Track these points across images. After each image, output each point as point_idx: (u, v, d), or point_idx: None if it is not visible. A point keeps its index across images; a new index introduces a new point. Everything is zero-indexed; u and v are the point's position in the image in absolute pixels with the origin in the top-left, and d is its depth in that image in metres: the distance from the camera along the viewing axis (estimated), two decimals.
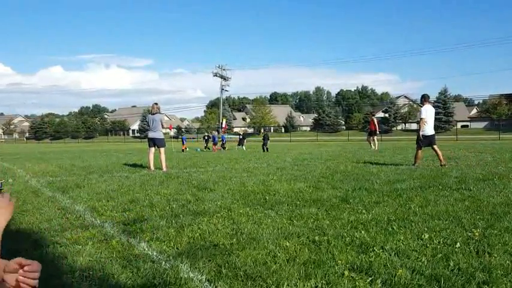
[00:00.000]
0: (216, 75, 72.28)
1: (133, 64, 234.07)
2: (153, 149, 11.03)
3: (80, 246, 3.63)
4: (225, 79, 72.97)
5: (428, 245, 3.54)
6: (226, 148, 25.00)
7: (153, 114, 11.13)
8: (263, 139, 23.35)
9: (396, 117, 79.33)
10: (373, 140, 20.02)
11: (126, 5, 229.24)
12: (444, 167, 9.78)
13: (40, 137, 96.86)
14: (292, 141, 48.04)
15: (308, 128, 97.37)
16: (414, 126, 77.91)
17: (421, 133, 10.47)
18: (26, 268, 1.28)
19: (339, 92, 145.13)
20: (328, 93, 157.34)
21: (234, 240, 3.77)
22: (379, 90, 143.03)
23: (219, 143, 25.57)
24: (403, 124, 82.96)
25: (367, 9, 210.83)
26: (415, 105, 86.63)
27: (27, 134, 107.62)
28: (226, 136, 29.89)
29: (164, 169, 10.64)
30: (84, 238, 3.92)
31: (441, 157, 10.19)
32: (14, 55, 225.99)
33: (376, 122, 20.41)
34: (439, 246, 3.50)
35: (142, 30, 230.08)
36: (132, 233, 4.12)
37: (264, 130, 29.49)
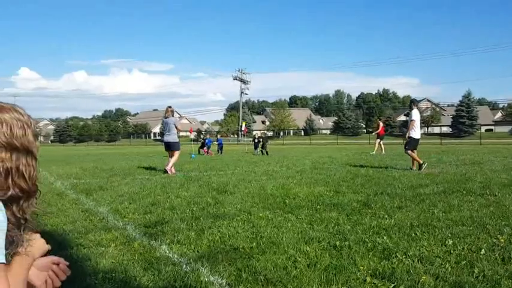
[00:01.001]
0: (236, 79, 72.70)
1: (155, 68, 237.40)
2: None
3: (103, 248, 3.70)
4: (244, 82, 73.31)
5: (452, 252, 3.47)
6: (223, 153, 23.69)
7: (166, 117, 11.09)
8: (262, 143, 23.24)
9: None
10: (376, 144, 20.16)
11: (149, 10, 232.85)
12: (411, 171, 10.19)
13: (64, 140, 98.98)
14: (311, 144, 47.79)
15: (328, 131, 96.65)
16: (437, 130, 76.55)
17: (411, 135, 10.71)
18: (61, 265, 1.34)
19: (359, 95, 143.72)
20: (349, 96, 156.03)
21: (254, 244, 3.77)
22: (401, 94, 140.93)
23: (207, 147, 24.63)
24: (426, 128, 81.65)
25: (388, 12, 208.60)
26: (437, 109, 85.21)
27: (52, 137, 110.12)
28: (223, 140, 27.94)
29: (167, 168, 10.54)
30: (107, 240, 3.98)
31: (415, 162, 10.63)
32: (40, 60, 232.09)
33: (382, 126, 20.70)
34: (463, 253, 3.43)
35: (164, 35, 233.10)
36: (154, 235, 4.17)
37: (262, 134, 29.00)
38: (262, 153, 21.25)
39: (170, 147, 11.03)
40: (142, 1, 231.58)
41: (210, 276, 2.97)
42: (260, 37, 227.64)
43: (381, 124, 20.85)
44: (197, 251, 3.64)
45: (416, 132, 10.78)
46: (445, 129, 75.84)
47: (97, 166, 13.76)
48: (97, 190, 7.55)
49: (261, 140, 23.59)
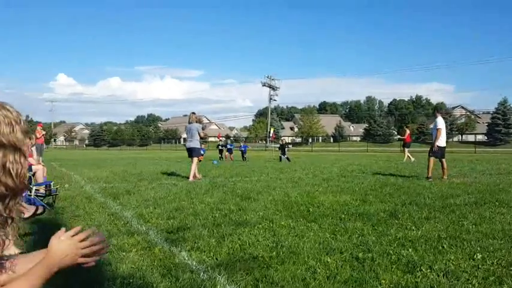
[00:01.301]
0: (265, 85, 72.86)
1: (186, 75, 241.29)
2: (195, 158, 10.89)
3: (124, 253, 3.73)
4: (273, 89, 73.37)
5: (480, 266, 3.30)
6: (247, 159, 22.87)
7: (190, 123, 10.96)
8: (282, 149, 22.97)
9: (452, 128, 75.99)
10: (406, 152, 19.89)
11: (180, 20, 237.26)
12: (442, 181, 9.74)
13: (99, 144, 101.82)
14: (340, 151, 47.25)
15: (358, 138, 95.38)
16: (471, 137, 74.25)
17: (436, 143, 10.42)
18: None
19: (391, 102, 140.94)
20: (380, 102, 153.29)
21: (274, 253, 3.72)
22: (434, 100, 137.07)
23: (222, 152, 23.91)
24: (460, 136, 79.32)
25: (421, 17, 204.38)
26: (472, 116, 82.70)
27: (86, 141, 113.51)
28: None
29: (190, 179, 10.44)
30: (129, 245, 4.02)
31: (445, 171, 10.29)
32: (77, 67, 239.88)
33: (408, 134, 20.37)
34: (492, 268, 3.26)
35: (195, 42, 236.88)
36: (175, 241, 4.18)
37: (281, 140, 28.25)
38: (289, 160, 21.02)
39: (192, 153, 10.92)
40: (176, 10, 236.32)
41: (227, 285, 2.94)
42: (291, 43, 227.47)
43: (408, 131, 20.45)
44: (216, 258, 3.61)
45: (441, 140, 10.48)
46: (480, 137, 73.57)
47: (126, 170, 14.04)
48: (124, 194, 7.68)
49: (288, 146, 23.33)
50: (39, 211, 4.07)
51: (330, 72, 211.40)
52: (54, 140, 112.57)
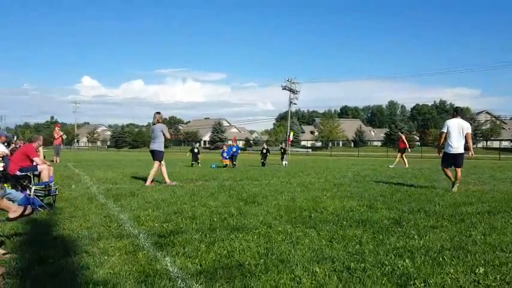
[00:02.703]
0: (285, 89, 72.43)
1: (208, 78, 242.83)
2: (163, 162, 10.25)
3: (106, 257, 3.61)
4: (293, 92, 72.87)
5: (480, 281, 3.05)
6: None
7: (154, 124, 10.23)
8: (282, 153, 22.88)
9: (477, 134, 74.04)
10: (401, 157, 19.95)
11: (203, 23, 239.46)
12: (451, 191, 8.60)
13: (120, 145, 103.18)
14: (360, 156, 46.54)
15: (379, 143, 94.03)
16: (496, 144, 72.25)
17: (441, 149, 9.64)
18: None
19: (414, 107, 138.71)
20: (403, 107, 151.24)
21: (262, 261, 3.53)
22: (459, 105, 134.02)
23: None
24: (485, 142, 77.22)
25: (445, 20, 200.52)
26: (498, 122, 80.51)
27: (108, 143, 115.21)
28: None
29: (148, 183, 9.80)
30: (115, 249, 3.90)
31: (458, 180, 9.00)
32: (101, 70, 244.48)
33: (404, 140, 20.28)
34: (494, 284, 3.01)
35: (217, 45, 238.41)
36: (163, 245, 4.05)
37: (281, 143, 27.24)
38: (284, 162, 21.36)
39: (153, 156, 10.20)
40: (198, 14, 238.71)
41: None
42: (313, 46, 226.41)
43: (403, 138, 20.54)
44: (200, 265, 3.46)
45: (446, 146, 9.29)
46: (505, 144, 71.46)
47: (137, 172, 14.03)
48: (127, 196, 7.61)
49: (285, 150, 23.46)
50: (27, 212, 3.99)
51: (352, 76, 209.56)
52: (77, 141, 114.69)
